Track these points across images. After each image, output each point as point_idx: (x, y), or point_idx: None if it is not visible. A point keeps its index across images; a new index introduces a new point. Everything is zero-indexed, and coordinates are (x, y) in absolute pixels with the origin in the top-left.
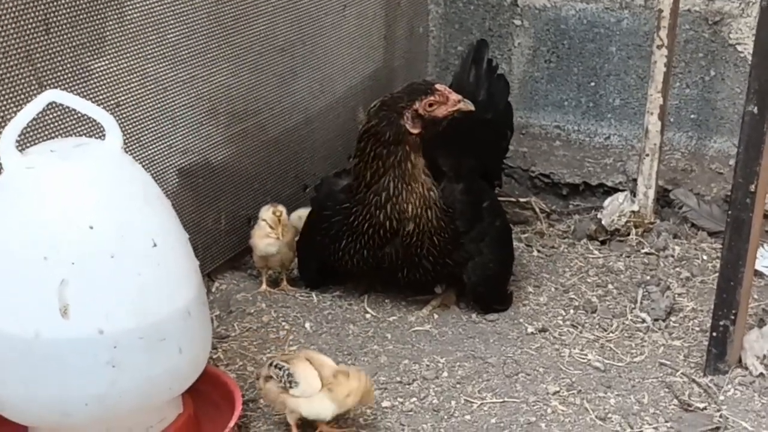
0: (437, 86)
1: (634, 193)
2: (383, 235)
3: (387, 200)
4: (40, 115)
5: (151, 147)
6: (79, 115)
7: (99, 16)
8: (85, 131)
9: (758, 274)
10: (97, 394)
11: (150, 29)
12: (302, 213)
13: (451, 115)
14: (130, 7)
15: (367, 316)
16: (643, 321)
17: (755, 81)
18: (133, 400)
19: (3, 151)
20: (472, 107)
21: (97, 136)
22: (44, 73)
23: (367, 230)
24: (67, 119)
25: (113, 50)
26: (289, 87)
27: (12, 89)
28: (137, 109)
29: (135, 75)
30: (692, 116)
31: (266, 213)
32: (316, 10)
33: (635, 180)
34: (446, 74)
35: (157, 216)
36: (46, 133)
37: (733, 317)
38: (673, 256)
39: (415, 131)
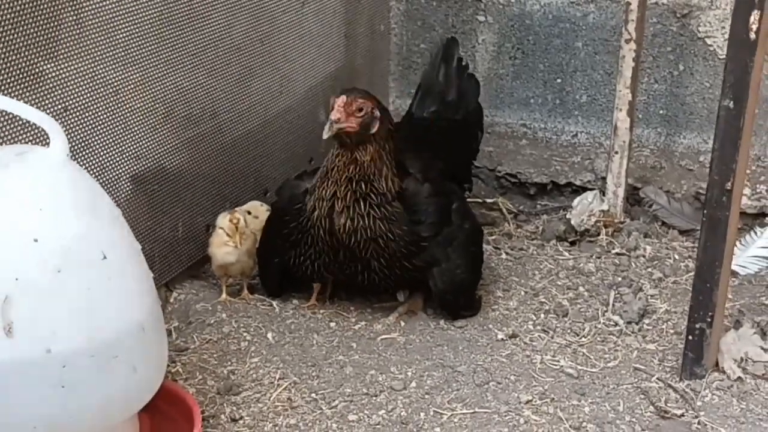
0: (336, 98)
1: (603, 192)
2: (324, 235)
3: (312, 192)
4: None
5: (101, 153)
6: (24, 121)
7: (43, 16)
8: (31, 138)
9: (732, 273)
10: (46, 417)
11: (99, 29)
12: (252, 206)
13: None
14: (76, 6)
15: (332, 324)
16: (616, 324)
17: (730, 74)
18: (85, 422)
19: None
20: (324, 136)
21: (43, 143)
22: None
23: (317, 230)
24: (11, 126)
25: (60, 52)
26: (247, 88)
27: None
28: (86, 114)
29: (84, 77)
30: (661, 112)
31: (223, 221)
32: (274, 7)
33: (604, 178)
34: (409, 72)
35: (107, 226)
36: None
37: (709, 320)
38: (644, 256)
39: None
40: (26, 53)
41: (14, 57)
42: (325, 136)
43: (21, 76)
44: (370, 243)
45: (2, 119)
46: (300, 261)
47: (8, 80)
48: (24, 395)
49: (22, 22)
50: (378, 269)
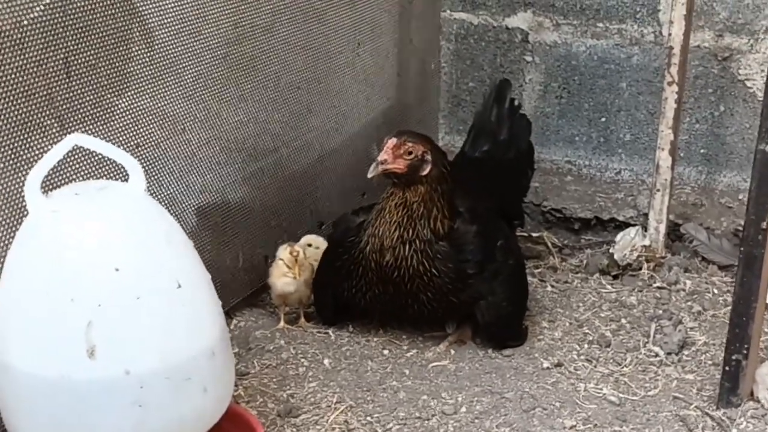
0: (388, 139)
1: (645, 228)
2: (375, 268)
3: (366, 228)
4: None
5: (170, 187)
6: (101, 157)
7: (117, 58)
8: (105, 173)
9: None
10: None
11: (168, 69)
12: (310, 239)
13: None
14: (148, 47)
15: (385, 352)
16: (657, 355)
17: (766, 120)
18: None
19: (28, 195)
20: (369, 174)
21: (116, 176)
22: (66, 116)
23: (368, 264)
24: (89, 161)
25: (132, 92)
26: (305, 125)
27: (35, 132)
28: (156, 150)
29: (154, 116)
30: (702, 151)
31: (283, 252)
32: (331, 48)
33: (646, 214)
34: (458, 109)
35: (181, 257)
36: (67, 174)
37: (745, 351)
38: (684, 290)
39: None
40: (103, 92)
41: (92, 96)
42: (369, 174)
43: (98, 113)
44: (415, 279)
45: (81, 156)
46: (352, 293)
47: (88, 117)
48: (105, 413)
49: (101, 63)
50: (426, 302)
